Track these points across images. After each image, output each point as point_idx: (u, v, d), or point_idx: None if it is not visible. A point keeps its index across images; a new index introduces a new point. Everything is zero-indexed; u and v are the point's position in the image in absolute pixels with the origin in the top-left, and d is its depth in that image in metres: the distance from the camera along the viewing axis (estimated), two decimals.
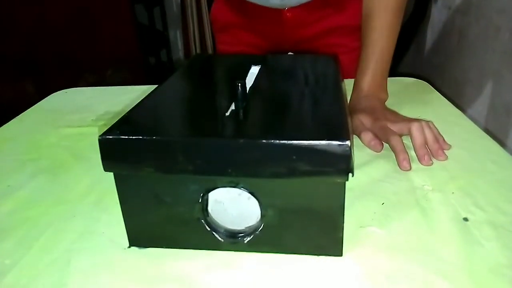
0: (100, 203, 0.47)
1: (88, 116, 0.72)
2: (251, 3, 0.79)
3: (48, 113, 0.76)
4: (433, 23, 1.74)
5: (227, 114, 0.39)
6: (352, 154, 0.33)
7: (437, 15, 1.70)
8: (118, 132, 0.35)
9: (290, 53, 0.95)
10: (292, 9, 0.79)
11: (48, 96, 0.84)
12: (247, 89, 0.44)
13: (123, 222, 0.39)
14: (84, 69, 1.95)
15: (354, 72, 0.66)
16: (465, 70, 1.46)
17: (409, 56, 1.95)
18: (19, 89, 1.81)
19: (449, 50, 1.60)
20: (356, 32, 0.66)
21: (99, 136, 0.35)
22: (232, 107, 0.40)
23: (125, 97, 0.79)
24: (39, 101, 0.82)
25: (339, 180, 0.33)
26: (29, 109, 0.78)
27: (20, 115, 0.75)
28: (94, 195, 0.49)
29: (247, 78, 0.49)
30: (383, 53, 0.62)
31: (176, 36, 2.66)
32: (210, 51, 2.50)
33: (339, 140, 0.32)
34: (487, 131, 0.61)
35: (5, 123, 0.72)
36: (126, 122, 0.38)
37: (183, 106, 0.44)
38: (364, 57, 0.63)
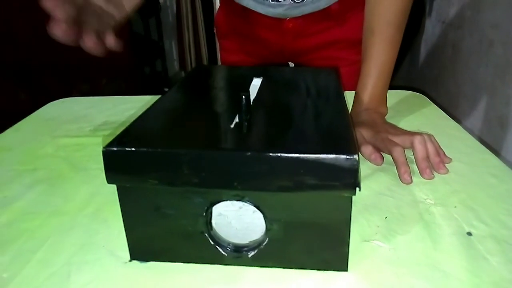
0: (99, 215, 0.46)
1: (85, 126, 0.71)
2: (254, 11, 0.79)
3: (45, 122, 0.75)
4: (427, 36, 1.76)
5: (232, 126, 0.39)
6: (359, 168, 0.33)
7: (431, 29, 1.72)
8: (122, 143, 0.35)
9: (290, 63, 0.95)
10: (294, 19, 0.80)
11: (45, 105, 0.83)
12: (251, 101, 0.43)
13: (123, 235, 0.38)
14: (78, 78, 1.94)
15: (353, 85, 0.66)
16: (459, 83, 1.48)
17: (403, 69, 1.97)
18: (11, 98, 1.79)
19: (443, 63, 1.62)
20: (357, 45, 0.66)
21: (103, 147, 0.34)
22: (236, 119, 0.40)
23: (124, 107, 0.79)
24: (32, 109, 0.81)
25: (346, 194, 0.33)
26: (25, 118, 0.77)
27: (17, 124, 0.74)
28: (93, 206, 0.48)
29: (249, 90, 0.49)
30: (384, 67, 0.62)
31: (171, 46, 2.67)
32: (205, 61, 2.51)
33: (346, 154, 0.32)
34: (482, 143, 0.62)
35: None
36: (130, 133, 0.37)
37: (186, 117, 0.44)
38: (366, 71, 0.63)
